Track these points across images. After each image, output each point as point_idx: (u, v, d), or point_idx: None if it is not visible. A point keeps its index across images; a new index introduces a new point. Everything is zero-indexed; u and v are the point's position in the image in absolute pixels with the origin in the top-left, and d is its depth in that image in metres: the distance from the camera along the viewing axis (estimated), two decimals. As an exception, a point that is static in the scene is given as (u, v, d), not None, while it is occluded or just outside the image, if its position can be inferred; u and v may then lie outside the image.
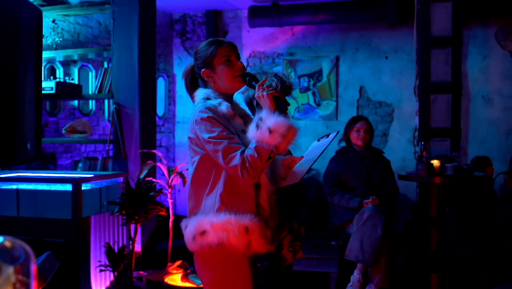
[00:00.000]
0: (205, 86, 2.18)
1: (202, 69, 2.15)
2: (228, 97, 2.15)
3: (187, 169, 3.92)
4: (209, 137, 1.97)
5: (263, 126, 1.92)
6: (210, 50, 2.13)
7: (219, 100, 2.09)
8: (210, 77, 2.14)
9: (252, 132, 1.95)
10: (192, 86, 2.24)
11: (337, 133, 2.27)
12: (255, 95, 2.07)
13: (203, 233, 1.98)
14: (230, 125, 2.01)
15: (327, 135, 2.30)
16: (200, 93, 2.15)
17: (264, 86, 2.04)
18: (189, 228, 2.04)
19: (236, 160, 1.92)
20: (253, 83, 2.12)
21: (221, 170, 2.01)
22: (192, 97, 2.23)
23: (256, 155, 1.91)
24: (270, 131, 1.90)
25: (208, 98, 2.09)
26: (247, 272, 2.04)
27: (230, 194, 2.01)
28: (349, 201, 4.06)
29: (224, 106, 2.05)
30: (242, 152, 1.94)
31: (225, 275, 2.04)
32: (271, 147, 1.91)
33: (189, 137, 2.09)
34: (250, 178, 1.94)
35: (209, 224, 1.97)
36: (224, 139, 1.96)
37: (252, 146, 1.93)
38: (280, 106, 2.02)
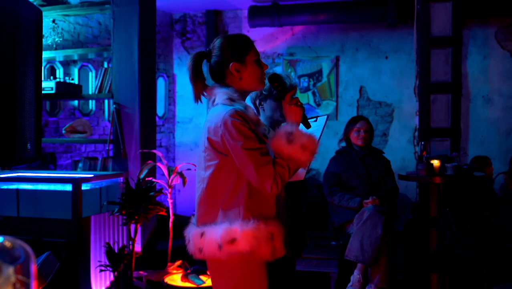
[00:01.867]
0: (222, 82, 2.04)
1: (232, 62, 2.00)
2: (245, 98, 2.08)
3: (188, 169, 3.92)
4: (242, 146, 1.87)
5: (297, 142, 1.89)
6: (246, 45, 2.03)
7: (243, 103, 2.00)
8: (238, 71, 2.01)
9: (283, 145, 1.90)
10: (198, 76, 2.04)
11: (327, 118, 2.25)
12: (285, 104, 2.02)
13: (232, 241, 1.89)
14: (258, 132, 1.93)
15: (315, 119, 2.28)
16: (221, 92, 2.00)
17: (294, 98, 2.01)
18: (212, 236, 1.93)
19: (269, 174, 1.87)
20: (280, 88, 2.06)
21: (243, 175, 1.94)
22: (199, 90, 2.05)
23: (286, 170, 1.90)
24: (303, 148, 1.89)
25: (232, 99, 1.98)
26: (266, 277, 2.01)
27: (254, 199, 1.95)
28: (349, 201, 4.06)
29: (251, 112, 1.97)
30: (274, 164, 1.89)
31: (248, 282, 1.99)
32: (301, 163, 1.92)
33: (208, 139, 1.96)
34: (278, 190, 1.91)
35: (239, 232, 1.90)
36: (256, 149, 1.88)
37: (283, 160, 1.90)
38: (306, 120, 2.02)
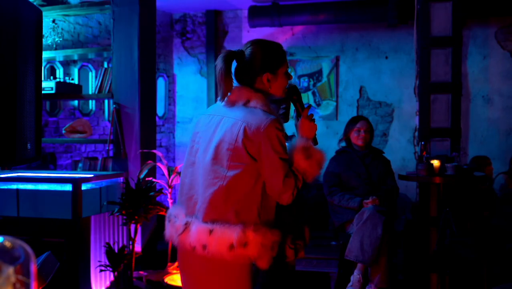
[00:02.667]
0: (250, 85, 2.06)
1: (266, 72, 2.05)
2: None
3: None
4: (279, 156, 1.94)
5: (314, 158, 2.01)
6: (281, 57, 2.09)
7: (274, 112, 2.05)
8: (269, 81, 2.06)
9: (300, 160, 2.00)
10: (228, 76, 2.03)
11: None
12: (303, 119, 2.11)
13: (245, 245, 1.92)
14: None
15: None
16: (259, 97, 2.03)
17: (311, 113, 2.11)
18: (225, 236, 1.93)
19: (291, 185, 1.96)
20: (295, 98, 2.15)
21: (261, 183, 1.98)
22: (228, 88, 2.04)
23: (301, 183, 2.00)
24: (318, 164, 2.02)
25: (268, 108, 2.02)
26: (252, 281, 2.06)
27: (264, 206, 2.00)
28: (349, 201, 4.06)
29: (282, 123, 2.04)
30: (294, 177, 1.98)
31: (237, 286, 2.02)
32: (313, 177, 2.03)
33: (243, 140, 1.94)
34: (290, 202, 2.00)
35: (252, 236, 1.93)
36: (286, 160, 1.98)
37: (299, 173, 2.00)
38: (315, 136, 2.14)
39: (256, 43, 2.10)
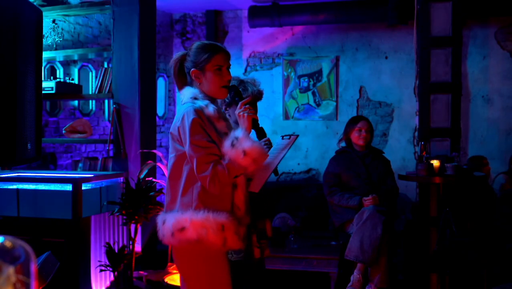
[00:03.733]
0: (191, 83, 2.24)
1: (192, 69, 2.20)
2: (213, 100, 2.23)
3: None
4: (190, 141, 2.04)
5: (239, 147, 2.02)
6: (205, 56, 2.20)
7: (207, 101, 2.16)
8: (198, 78, 2.20)
9: (227, 148, 2.04)
10: (179, 75, 2.27)
11: (296, 137, 2.37)
12: (236, 112, 2.19)
13: (182, 229, 2.05)
14: (213, 129, 2.09)
15: (289, 136, 2.37)
16: (188, 92, 2.20)
17: (246, 106, 2.17)
18: (167, 224, 2.10)
19: (208, 171, 2.01)
20: (236, 98, 2.26)
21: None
22: (179, 88, 2.27)
23: (226, 172, 2.02)
24: (245, 154, 2.01)
25: (195, 98, 2.16)
26: (225, 265, 2.15)
27: (208, 192, 2.08)
28: (348, 200, 4.06)
29: (211, 108, 2.13)
30: (215, 164, 2.02)
31: (204, 268, 2.12)
32: (241, 168, 2.04)
33: (171, 133, 2.16)
34: (215, 189, 2.04)
35: (189, 221, 2.05)
36: (203, 147, 2.03)
37: (225, 162, 2.04)
38: (258, 128, 2.18)
39: (192, 45, 2.28)
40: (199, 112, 2.07)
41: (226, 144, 2.04)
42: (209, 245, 2.06)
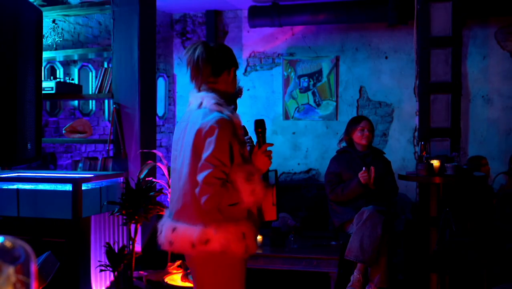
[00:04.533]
0: (205, 83, 2.17)
1: (225, 70, 2.17)
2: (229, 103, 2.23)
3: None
4: (213, 152, 1.99)
5: (251, 185, 2.01)
6: (233, 58, 2.22)
7: (229, 108, 2.13)
8: (228, 80, 2.21)
9: (240, 179, 2.01)
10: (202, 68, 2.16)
11: (275, 173, 2.48)
12: (259, 152, 2.14)
13: (206, 242, 2.02)
14: (236, 141, 2.05)
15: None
16: (209, 97, 2.13)
17: (269, 150, 2.16)
18: (186, 234, 2.06)
19: (212, 188, 1.98)
20: (260, 132, 2.20)
21: None
22: (199, 82, 2.17)
23: (227, 198, 2.00)
24: (253, 193, 2.02)
25: (219, 104, 2.10)
26: (244, 271, 2.16)
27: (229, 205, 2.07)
28: (348, 185, 4.07)
29: (237, 116, 2.11)
30: (222, 184, 2.00)
31: (226, 276, 2.11)
32: (242, 201, 2.03)
33: (194, 141, 2.07)
34: (208, 206, 2.01)
35: (214, 233, 2.03)
36: (221, 163, 2.00)
37: (232, 189, 2.01)
38: (267, 173, 2.23)
39: (217, 44, 2.24)
40: (229, 124, 2.04)
41: (241, 174, 2.02)
42: (233, 255, 2.06)
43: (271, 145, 2.19)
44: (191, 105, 2.20)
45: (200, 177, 2.00)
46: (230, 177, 2.03)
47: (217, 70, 2.17)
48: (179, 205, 2.12)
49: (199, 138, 2.05)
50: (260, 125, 2.20)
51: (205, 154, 2.02)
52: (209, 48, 2.17)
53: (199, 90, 2.19)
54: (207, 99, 2.12)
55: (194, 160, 2.06)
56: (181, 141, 2.18)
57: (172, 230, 2.10)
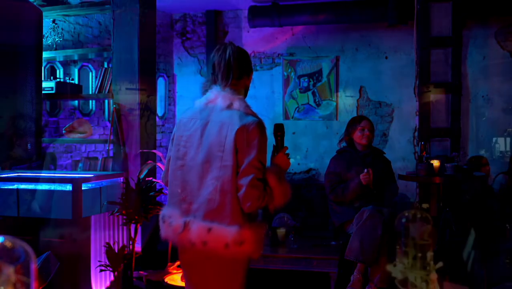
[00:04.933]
0: (230, 87, 2.19)
1: (245, 75, 2.22)
2: None
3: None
4: (256, 156, 2.05)
5: (284, 184, 2.11)
6: (251, 65, 2.26)
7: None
8: (247, 84, 2.26)
9: (273, 180, 2.08)
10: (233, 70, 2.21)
11: None
12: (279, 152, 2.22)
13: (241, 243, 2.05)
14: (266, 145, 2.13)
15: None
16: (240, 100, 2.16)
17: (287, 153, 2.23)
18: (222, 235, 2.07)
19: (257, 191, 2.03)
20: (278, 136, 2.28)
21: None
22: (227, 81, 2.18)
23: (271, 200, 2.08)
24: (285, 192, 2.11)
25: (248, 107, 2.15)
26: (246, 273, 2.20)
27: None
28: (348, 185, 4.07)
29: (263, 120, 2.17)
30: (265, 185, 2.06)
31: (241, 276, 2.16)
32: (276, 202, 2.10)
33: (229, 141, 2.08)
34: (252, 210, 2.07)
35: (249, 235, 2.07)
36: (264, 166, 2.08)
37: (270, 190, 2.07)
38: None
39: (238, 49, 2.24)
40: (265, 129, 2.11)
41: (273, 176, 2.09)
42: (255, 256, 2.12)
43: (287, 148, 2.27)
44: (210, 103, 2.18)
45: (245, 181, 2.03)
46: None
47: (241, 73, 2.21)
48: (214, 205, 2.10)
49: (240, 140, 2.07)
50: (279, 129, 2.28)
51: (248, 158, 2.05)
52: (239, 50, 2.22)
53: (224, 90, 2.18)
54: (239, 102, 2.14)
55: (224, 158, 2.08)
56: (196, 139, 2.17)
57: (207, 231, 2.08)
